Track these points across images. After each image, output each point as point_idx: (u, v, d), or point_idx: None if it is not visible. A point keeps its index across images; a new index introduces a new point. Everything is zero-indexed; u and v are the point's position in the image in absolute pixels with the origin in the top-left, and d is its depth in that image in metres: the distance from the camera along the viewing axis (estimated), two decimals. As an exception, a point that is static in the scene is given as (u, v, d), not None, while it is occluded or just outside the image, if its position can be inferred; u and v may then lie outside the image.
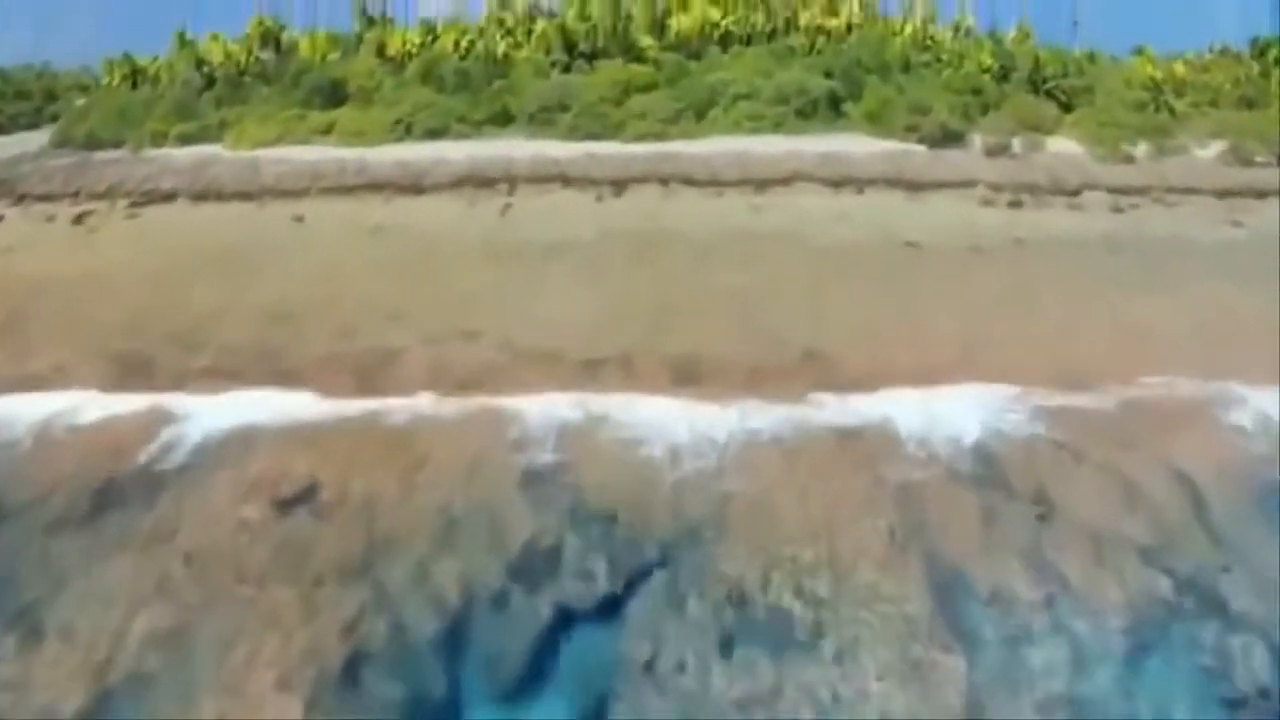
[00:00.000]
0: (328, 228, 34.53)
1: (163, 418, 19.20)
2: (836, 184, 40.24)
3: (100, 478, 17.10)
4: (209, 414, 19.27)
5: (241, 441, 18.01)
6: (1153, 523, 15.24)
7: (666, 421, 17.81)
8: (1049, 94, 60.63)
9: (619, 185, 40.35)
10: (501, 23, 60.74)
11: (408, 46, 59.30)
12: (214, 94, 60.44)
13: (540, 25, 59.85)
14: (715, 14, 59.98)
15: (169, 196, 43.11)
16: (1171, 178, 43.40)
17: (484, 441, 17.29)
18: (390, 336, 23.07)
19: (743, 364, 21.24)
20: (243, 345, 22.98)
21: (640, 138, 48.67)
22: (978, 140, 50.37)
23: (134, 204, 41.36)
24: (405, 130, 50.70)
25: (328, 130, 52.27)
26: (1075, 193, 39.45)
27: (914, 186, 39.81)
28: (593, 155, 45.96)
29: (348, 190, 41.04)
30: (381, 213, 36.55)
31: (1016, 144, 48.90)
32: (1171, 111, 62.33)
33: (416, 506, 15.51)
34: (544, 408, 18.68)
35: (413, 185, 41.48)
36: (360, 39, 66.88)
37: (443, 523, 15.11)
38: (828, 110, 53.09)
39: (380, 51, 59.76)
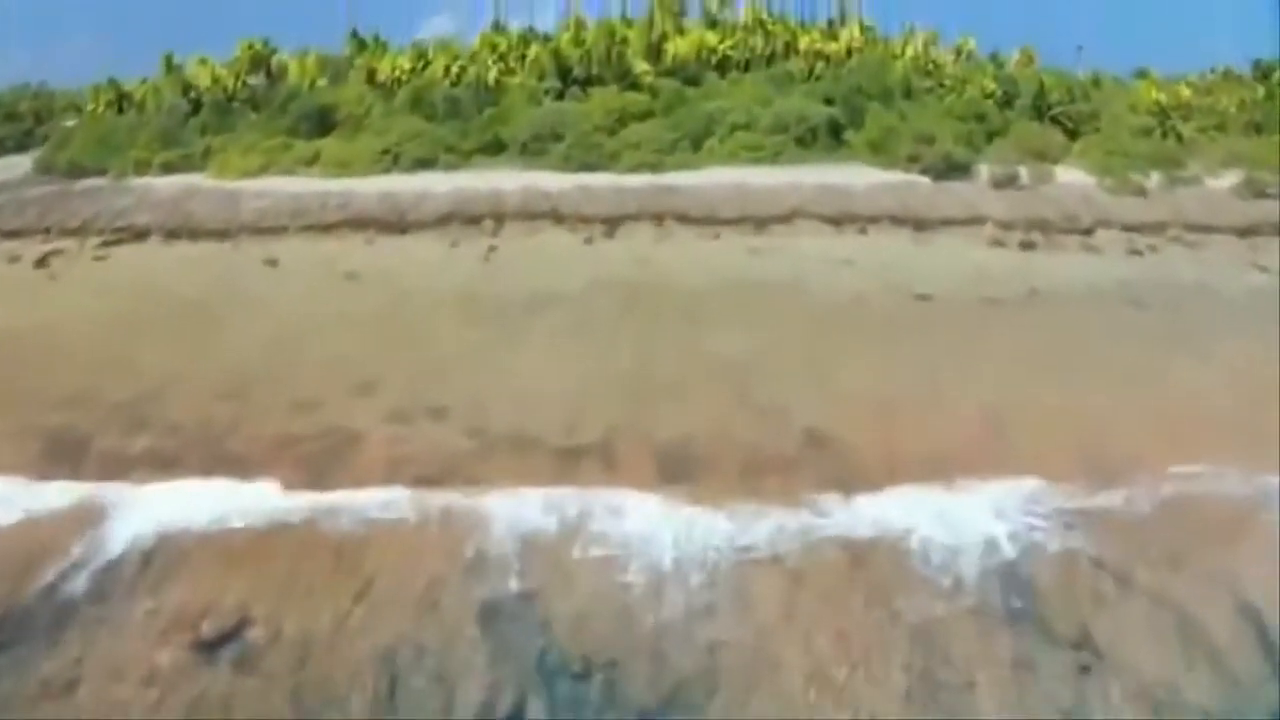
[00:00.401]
0: (301, 273, 32.14)
1: (85, 519, 16.71)
2: (838, 221, 37.84)
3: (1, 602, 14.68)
4: (137, 514, 16.79)
5: (167, 556, 15.54)
6: (1217, 675, 12.77)
7: (650, 535, 15.33)
8: (1054, 120, 58.37)
9: (611, 223, 37.97)
10: (494, 47, 58.40)
11: (397, 72, 56.94)
12: (200, 120, 58.14)
13: (534, 50, 57.55)
14: (712, 39, 57.64)
15: (142, 234, 40.68)
16: (1187, 212, 40.95)
17: (440, 563, 14.81)
18: (352, 414, 20.63)
19: (738, 450, 18.79)
20: (188, 423, 20.53)
21: (635, 168, 46.33)
22: (984, 170, 48.11)
23: (105, 243, 38.91)
24: (392, 161, 48.38)
25: (313, 160, 49.96)
26: (1089, 231, 37.01)
27: (920, 225, 37.36)
28: (585, 188, 43.58)
29: (327, 229, 38.64)
30: (360, 255, 34.16)
31: (1024, 174, 46.58)
32: (1179, 137, 59.98)
33: (356, 653, 13.05)
34: (511, 512, 16.20)
35: (396, 222, 39.08)
36: (351, 63, 64.66)
37: (384, 677, 12.65)
38: (828, 138, 50.74)
39: (370, 78, 57.41)
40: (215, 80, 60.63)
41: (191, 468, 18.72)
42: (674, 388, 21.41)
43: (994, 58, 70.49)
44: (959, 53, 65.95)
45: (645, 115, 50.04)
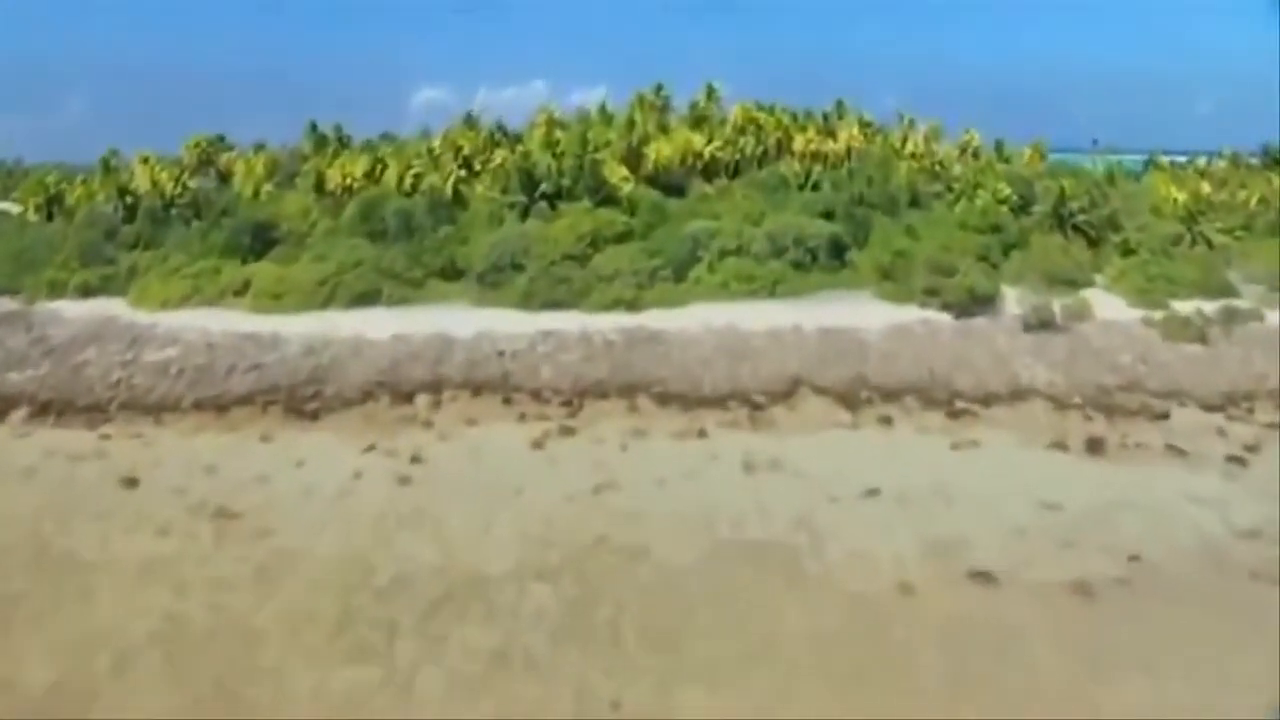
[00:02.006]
0: (155, 510, 22.86)
1: None
2: (852, 401, 28.82)
3: None
4: None
5: None
6: None
7: None
8: (1076, 228, 49.84)
9: (572, 406, 28.86)
10: (458, 150, 49.54)
11: (349, 180, 48.10)
12: (135, 228, 49.23)
13: (500, 155, 48.81)
14: (698, 142, 48.75)
15: (12, 402, 31.63)
16: (1259, 364, 32.18)
17: None
18: None
19: None
20: None
21: (609, 306, 37.34)
22: (1009, 297, 39.08)
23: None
24: (330, 294, 39.42)
25: (243, 289, 40.93)
26: (1164, 415, 28.01)
27: (954, 410, 28.22)
28: (549, 335, 34.61)
29: (222, 410, 29.49)
30: (242, 473, 24.89)
31: (1057, 310, 37.76)
32: (1209, 243, 51.37)
33: None
34: None
35: (310, 399, 29.96)
36: (306, 159, 55.84)
37: None
38: (830, 259, 41.93)
39: (319, 185, 48.50)
40: (155, 184, 51.72)
41: None
42: None
43: (1000, 150, 62.03)
44: (964, 149, 57.38)
45: (622, 237, 41.13)
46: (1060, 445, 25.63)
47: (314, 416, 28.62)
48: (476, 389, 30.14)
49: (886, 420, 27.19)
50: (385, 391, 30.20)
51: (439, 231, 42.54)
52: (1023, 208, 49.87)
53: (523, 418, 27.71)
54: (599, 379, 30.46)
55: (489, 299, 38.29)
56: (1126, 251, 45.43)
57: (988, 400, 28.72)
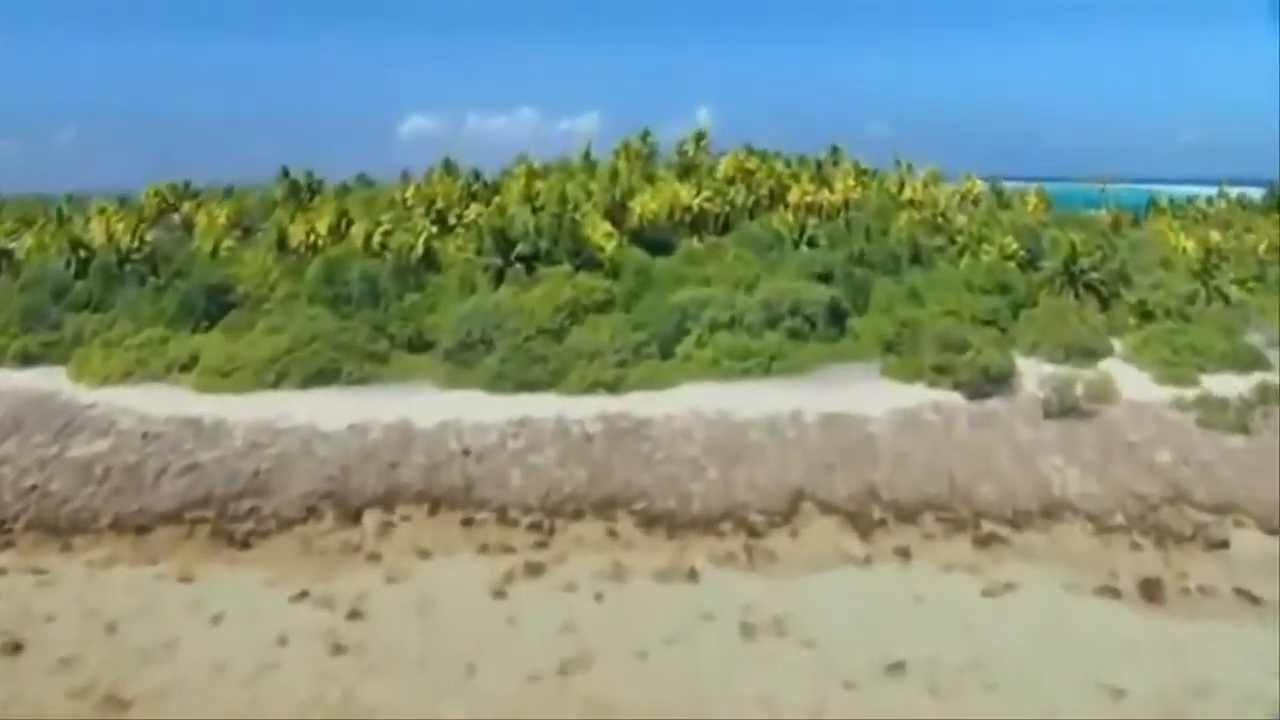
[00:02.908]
0: (33, 696, 18.24)
1: None
2: (862, 525, 24.34)
3: None
4: None
5: None
6: None
7: None
8: (1088, 286, 45.55)
9: (541, 528, 24.35)
10: (430, 204, 45.01)
11: (312, 237, 43.52)
12: (87, 285, 44.59)
13: (473, 212, 44.31)
14: (686, 195, 44.32)
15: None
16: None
17: None
18: None
19: None
20: None
21: (588, 388, 32.83)
22: (1025, 371, 34.63)
23: None
24: (283, 371, 34.76)
25: (190, 364, 36.31)
26: (1223, 544, 23.66)
27: (980, 535, 23.78)
28: (521, 425, 30.12)
29: (141, 532, 24.80)
30: (155, 627, 20.31)
31: (1079, 391, 33.46)
32: (1225, 299, 47.35)
33: None
34: None
35: (241, 520, 25.25)
36: (273, 208, 51.25)
37: None
38: (829, 324, 37.63)
39: (281, 242, 43.96)
40: (110, 237, 47.09)
41: None
42: None
43: (999, 195, 57.89)
44: (964, 196, 53.08)
45: (604, 306, 36.69)
46: (1110, 589, 21.19)
47: (245, 544, 23.97)
48: (434, 504, 25.58)
49: (904, 553, 22.70)
50: (330, 506, 25.63)
51: (405, 300, 38.00)
52: (1030, 262, 45.67)
53: (484, 549, 23.13)
54: (574, 490, 25.92)
55: (457, 379, 33.78)
56: (1144, 314, 41.13)
57: (1018, 521, 24.30)
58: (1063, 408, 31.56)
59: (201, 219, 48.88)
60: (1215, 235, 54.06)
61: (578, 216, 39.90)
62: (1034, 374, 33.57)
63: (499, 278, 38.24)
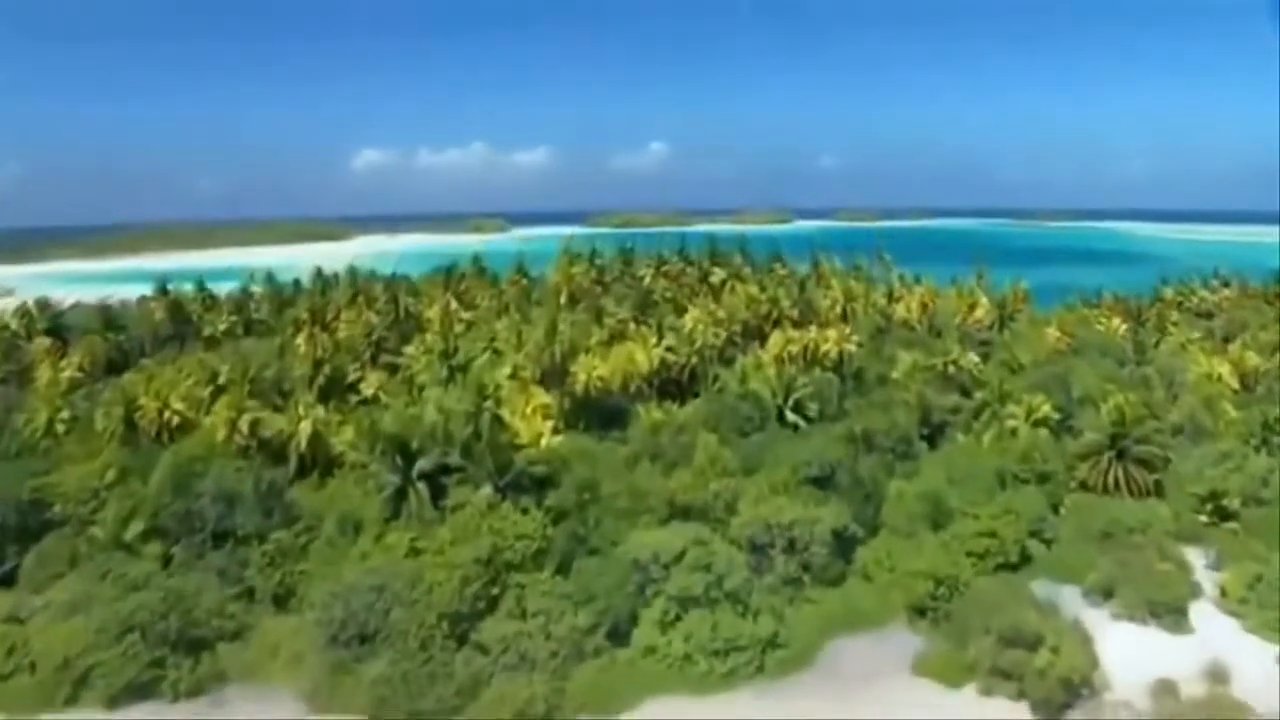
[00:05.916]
0: None
1: None
2: None
3: None
4: None
5: None
6: None
7: None
8: (1139, 461, 34.50)
9: None
10: (319, 366, 32.85)
11: (166, 415, 31.28)
12: None
13: (373, 382, 32.36)
14: (642, 358, 32.68)
15: None
16: None
17: None
18: None
19: None
20: None
21: None
22: (1105, 635, 23.58)
23: None
24: (80, 682, 22.90)
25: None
26: None
27: None
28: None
29: None
30: None
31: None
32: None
33: None
34: None
35: None
36: (153, 315, 38.55)
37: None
38: (833, 557, 26.10)
39: (129, 418, 31.68)
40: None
41: None
42: None
43: (1003, 308, 46.91)
44: (986, 358, 41.03)
45: (535, 556, 25.09)
46: None
47: None
48: None
49: None
50: None
51: (269, 541, 26.16)
52: (1061, 423, 34.86)
53: None
54: None
55: (329, 696, 22.15)
56: (1218, 509, 30.39)
57: None
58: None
59: (44, 371, 36.18)
60: (1253, 357, 43.91)
61: (500, 412, 28.06)
62: (1115, 642, 22.78)
63: (396, 505, 26.48)
